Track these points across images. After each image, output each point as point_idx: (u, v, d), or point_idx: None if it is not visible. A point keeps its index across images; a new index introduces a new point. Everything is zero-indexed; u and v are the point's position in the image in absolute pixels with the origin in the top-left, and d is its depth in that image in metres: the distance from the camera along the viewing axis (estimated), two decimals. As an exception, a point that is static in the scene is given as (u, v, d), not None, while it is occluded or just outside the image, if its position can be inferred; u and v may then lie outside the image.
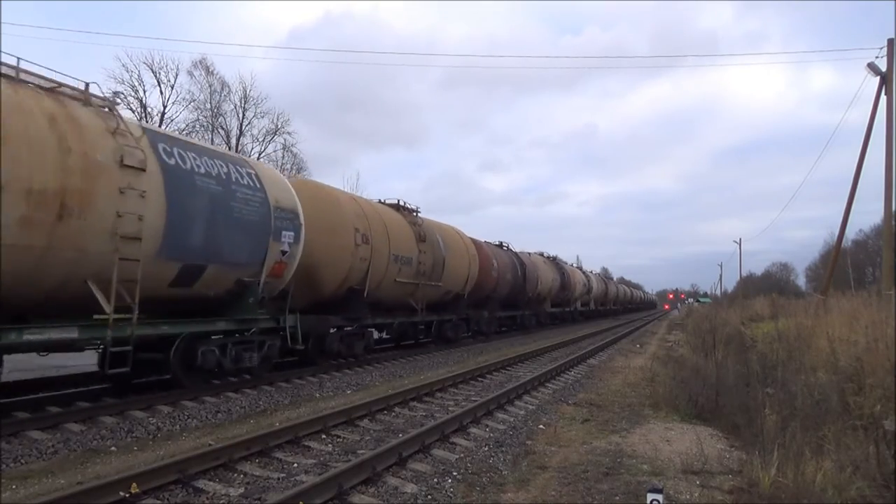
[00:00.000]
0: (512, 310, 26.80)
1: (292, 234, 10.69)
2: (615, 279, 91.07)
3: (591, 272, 52.14)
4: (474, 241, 21.86)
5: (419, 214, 17.74)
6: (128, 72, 35.63)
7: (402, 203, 17.24)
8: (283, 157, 41.82)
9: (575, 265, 49.86)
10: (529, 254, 30.60)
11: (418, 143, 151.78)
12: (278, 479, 5.67)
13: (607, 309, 56.45)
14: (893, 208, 18.77)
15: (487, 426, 8.16)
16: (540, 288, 29.39)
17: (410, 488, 5.47)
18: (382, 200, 17.09)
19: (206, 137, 38.67)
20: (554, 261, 34.97)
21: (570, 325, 36.70)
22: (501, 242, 26.42)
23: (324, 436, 7.35)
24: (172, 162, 8.51)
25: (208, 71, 39.21)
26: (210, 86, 39.22)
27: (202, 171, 8.99)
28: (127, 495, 4.85)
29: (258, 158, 39.65)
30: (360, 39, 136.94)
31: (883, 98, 19.60)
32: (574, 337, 24.73)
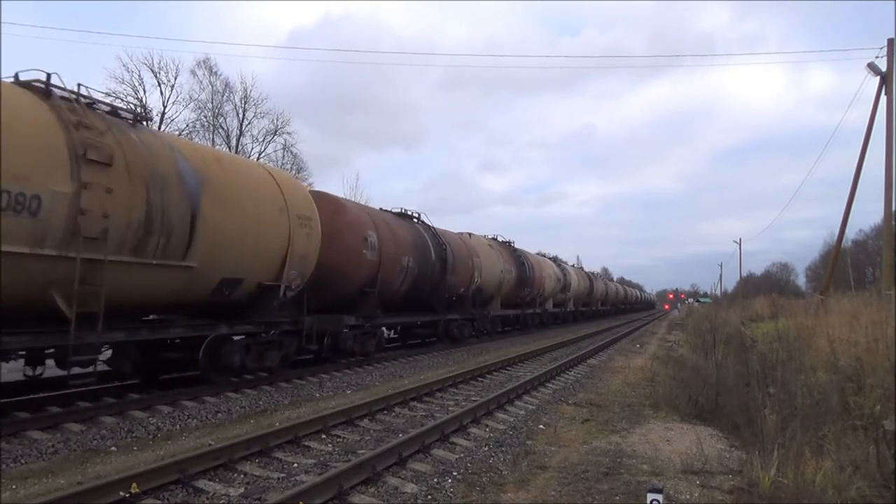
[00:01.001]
0: (424, 313, 18.14)
1: None
2: (615, 279, 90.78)
3: (574, 266, 44.59)
4: (321, 196, 13.61)
5: (145, 123, 9.08)
6: (128, 72, 35.61)
7: (47, 82, 7.53)
8: (283, 157, 41.80)
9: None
10: (470, 235, 22.98)
11: (418, 144, 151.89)
12: (278, 479, 5.67)
13: (594, 310, 48.22)
14: (893, 208, 18.78)
15: (487, 426, 8.16)
16: (480, 282, 21.25)
17: (410, 488, 5.47)
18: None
19: (207, 137, 38.70)
20: (508, 246, 26.91)
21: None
22: (404, 210, 17.90)
23: (324, 436, 7.35)
24: None
25: (211, 71, 39.22)
26: (212, 86, 39.22)
27: None
28: (127, 495, 4.85)
29: (258, 158, 39.77)
30: (360, 41, 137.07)
31: (883, 98, 19.62)
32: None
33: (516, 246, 28.08)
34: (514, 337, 25.21)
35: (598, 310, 50.96)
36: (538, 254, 33.86)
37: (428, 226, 18.77)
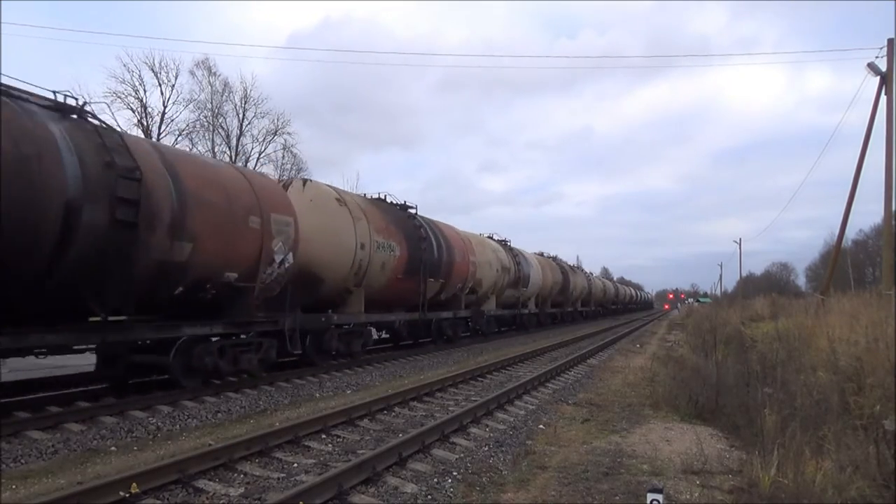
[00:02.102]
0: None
1: None
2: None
3: (544, 255, 34.28)
4: None
5: None
6: (129, 72, 35.61)
7: None
8: (283, 157, 41.78)
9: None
10: (305, 181, 13.90)
11: (417, 145, 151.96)
12: (278, 478, 5.67)
13: (571, 311, 38.19)
14: (893, 208, 18.78)
15: (487, 426, 8.16)
16: (290, 261, 11.02)
17: (410, 488, 5.46)
18: None
19: (207, 137, 38.66)
20: (398, 210, 16.51)
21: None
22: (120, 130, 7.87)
23: (324, 436, 7.35)
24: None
25: (210, 71, 39.23)
26: (211, 86, 39.20)
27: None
28: (127, 495, 4.85)
29: (258, 158, 39.83)
30: (359, 44, 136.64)
31: (883, 98, 19.61)
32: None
33: (422, 213, 17.50)
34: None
35: (579, 311, 40.77)
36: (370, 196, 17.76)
37: (88, 126, 7.86)
